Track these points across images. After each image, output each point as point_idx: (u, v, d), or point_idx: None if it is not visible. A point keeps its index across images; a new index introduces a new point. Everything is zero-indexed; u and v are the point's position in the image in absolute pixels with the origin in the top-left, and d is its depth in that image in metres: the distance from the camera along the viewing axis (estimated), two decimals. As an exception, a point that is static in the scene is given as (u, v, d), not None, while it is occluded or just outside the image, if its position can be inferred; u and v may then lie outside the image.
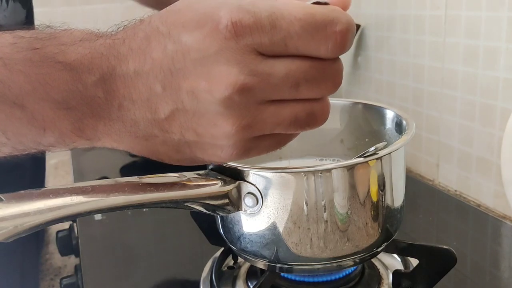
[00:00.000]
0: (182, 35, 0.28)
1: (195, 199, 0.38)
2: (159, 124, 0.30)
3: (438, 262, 0.43)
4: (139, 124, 0.30)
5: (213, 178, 0.39)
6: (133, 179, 0.37)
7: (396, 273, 0.47)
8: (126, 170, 0.89)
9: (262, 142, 0.31)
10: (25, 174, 0.69)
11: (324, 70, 0.28)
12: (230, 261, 0.52)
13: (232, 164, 0.40)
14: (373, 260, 0.50)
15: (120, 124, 0.31)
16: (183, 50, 0.28)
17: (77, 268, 0.60)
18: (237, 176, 0.39)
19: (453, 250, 0.43)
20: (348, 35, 0.28)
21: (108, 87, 0.29)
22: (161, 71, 0.28)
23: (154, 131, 0.31)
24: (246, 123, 0.28)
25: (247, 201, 0.39)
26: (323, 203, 0.39)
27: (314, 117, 0.29)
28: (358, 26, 0.94)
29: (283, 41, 0.27)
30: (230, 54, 0.27)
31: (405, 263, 0.49)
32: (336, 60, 0.29)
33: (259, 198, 0.39)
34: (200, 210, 0.39)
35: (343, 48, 0.28)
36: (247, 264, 0.51)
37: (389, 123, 0.49)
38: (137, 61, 0.29)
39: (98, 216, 0.66)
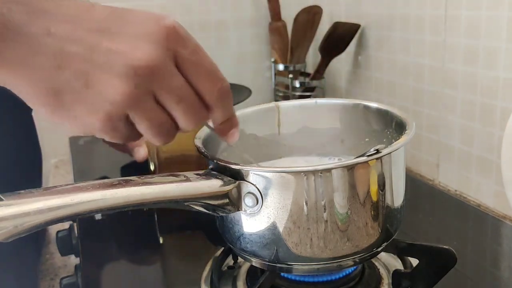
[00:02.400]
0: (130, 12, 0.34)
1: (195, 199, 0.38)
2: (60, 57, 0.32)
3: (438, 262, 0.43)
4: (42, 51, 0.31)
5: (213, 178, 0.39)
6: (133, 179, 0.37)
7: (396, 273, 0.47)
8: (126, 170, 0.89)
9: (125, 127, 0.34)
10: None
11: (201, 110, 0.36)
12: (230, 261, 0.52)
13: (232, 164, 0.40)
14: (373, 260, 0.50)
15: (24, 48, 0.31)
16: (125, 20, 0.33)
17: (77, 268, 0.60)
18: (237, 176, 0.39)
19: (453, 250, 0.43)
20: (227, 100, 0.37)
21: (33, 20, 0.31)
22: (94, 24, 0.32)
23: (51, 61, 0.31)
24: (135, 96, 0.32)
25: (247, 201, 0.39)
26: (323, 203, 0.39)
27: (165, 137, 0.36)
28: (358, 26, 0.94)
29: (194, 69, 0.35)
30: (160, 43, 0.33)
31: (405, 263, 0.49)
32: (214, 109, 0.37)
33: (259, 198, 0.39)
34: (200, 210, 0.39)
35: (222, 103, 0.37)
36: (247, 264, 0.51)
37: (389, 123, 0.49)
38: (76, 9, 0.33)
39: (98, 216, 0.66)
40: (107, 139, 0.35)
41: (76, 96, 0.32)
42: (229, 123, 0.39)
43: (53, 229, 0.71)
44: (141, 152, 0.76)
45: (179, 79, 0.34)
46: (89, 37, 0.32)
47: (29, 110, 0.74)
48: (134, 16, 0.34)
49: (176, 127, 0.37)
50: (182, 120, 0.36)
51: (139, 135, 0.36)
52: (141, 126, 0.35)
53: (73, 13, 0.32)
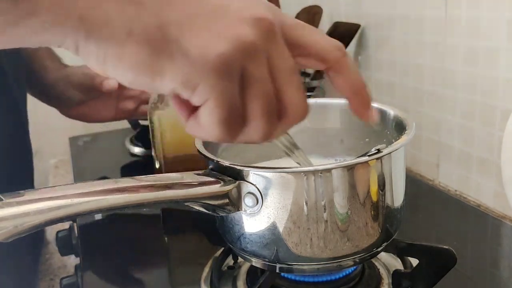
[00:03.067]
0: None
1: (195, 199, 0.38)
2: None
3: (438, 262, 0.43)
4: None
5: (213, 178, 0.39)
6: (133, 179, 0.37)
7: (396, 273, 0.47)
8: (126, 170, 0.89)
9: (237, 87, 0.29)
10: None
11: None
12: (230, 261, 0.52)
13: (232, 164, 0.40)
14: (373, 260, 0.50)
15: None
16: None
17: (77, 268, 0.60)
18: (237, 176, 0.39)
19: (453, 250, 0.43)
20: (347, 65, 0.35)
21: None
22: None
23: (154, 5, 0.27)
24: (256, 46, 0.29)
25: (247, 201, 0.39)
26: (323, 203, 0.39)
27: (272, 119, 0.31)
28: (358, 26, 0.94)
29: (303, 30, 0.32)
30: (269, 7, 0.30)
31: (405, 263, 0.49)
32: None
33: (259, 198, 0.39)
34: (200, 210, 0.39)
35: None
36: (247, 264, 0.51)
37: (389, 123, 0.49)
38: None
39: (98, 216, 0.66)
40: (211, 106, 0.29)
41: (190, 27, 0.28)
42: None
43: (53, 229, 0.71)
44: (110, 83, 0.75)
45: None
46: None
47: (20, 105, 0.71)
48: None
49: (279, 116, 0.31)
50: (294, 97, 0.31)
51: (245, 120, 0.30)
52: (253, 92, 0.29)
53: None
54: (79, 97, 0.79)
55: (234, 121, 0.30)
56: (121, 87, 0.77)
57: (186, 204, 0.38)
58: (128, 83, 0.29)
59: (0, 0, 0.25)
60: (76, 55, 0.28)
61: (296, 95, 0.31)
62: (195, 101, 0.29)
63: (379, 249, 0.43)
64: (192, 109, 0.31)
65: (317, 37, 0.33)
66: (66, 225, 0.70)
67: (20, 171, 0.72)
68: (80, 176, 0.85)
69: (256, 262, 0.43)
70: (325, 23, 1.04)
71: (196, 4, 0.28)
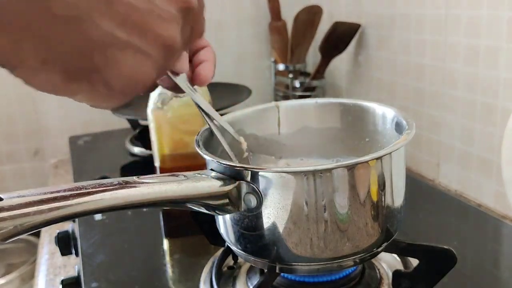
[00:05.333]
0: None
1: (195, 199, 0.38)
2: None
3: (438, 262, 0.43)
4: None
5: (213, 178, 0.39)
6: (133, 179, 0.37)
7: (396, 273, 0.47)
8: (126, 170, 0.89)
9: None
10: None
11: None
12: (230, 261, 0.52)
13: (232, 164, 0.40)
14: (373, 260, 0.50)
15: None
16: None
17: (77, 268, 0.59)
18: (237, 176, 0.39)
19: (453, 250, 0.43)
20: None
21: None
22: None
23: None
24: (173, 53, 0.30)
25: (247, 201, 0.39)
26: (323, 203, 0.38)
27: None
28: (358, 26, 0.94)
29: None
30: None
31: (405, 263, 0.49)
32: None
33: (259, 198, 0.39)
34: (200, 210, 0.39)
35: None
36: (247, 264, 0.51)
37: (390, 123, 0.49)
38: None
39: (98, 216, 0.66)
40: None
41: (115, 51, 0.26)
42: None
43: (53, 229, 0.71)
44: None
45: None
46: None
47: None
48: None
49: None
50: None
51: None
52: None
53: None
54: None
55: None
56: None
57: (186, 204, 0.38)
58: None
59: None
60: None
61: None
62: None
63: (379, 249, 0.43)
64: None
65: None
66: (66, 225, 0.70)
67: None
68: (80, 176, 0.85)
69: (256, 262, 0.43)
70: (325, 23, 1.04)
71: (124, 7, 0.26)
